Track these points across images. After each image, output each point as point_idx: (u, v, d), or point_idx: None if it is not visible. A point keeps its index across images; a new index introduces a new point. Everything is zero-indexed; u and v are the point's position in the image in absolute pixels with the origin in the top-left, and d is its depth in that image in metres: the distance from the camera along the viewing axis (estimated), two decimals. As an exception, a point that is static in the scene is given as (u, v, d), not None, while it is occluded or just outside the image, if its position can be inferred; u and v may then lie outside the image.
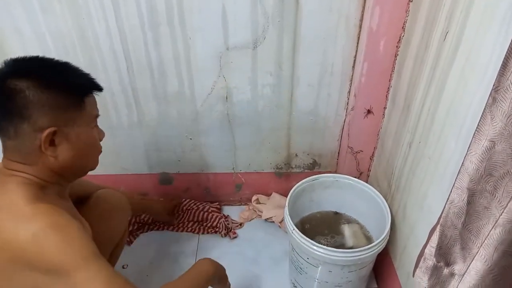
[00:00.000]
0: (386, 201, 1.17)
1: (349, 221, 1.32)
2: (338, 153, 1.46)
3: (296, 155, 1.49)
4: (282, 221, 1.50)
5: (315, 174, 1.28)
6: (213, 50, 1.20)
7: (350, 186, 1.27)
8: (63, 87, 0.72)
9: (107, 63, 1.22)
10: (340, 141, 1.43)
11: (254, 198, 1.59)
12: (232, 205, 1.63)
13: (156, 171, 1.54)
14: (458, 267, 0.58)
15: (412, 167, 1.03)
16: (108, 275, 0.69)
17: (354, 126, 1.31)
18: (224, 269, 1.01)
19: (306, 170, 1.53)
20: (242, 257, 1.42)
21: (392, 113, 1.19)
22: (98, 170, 1.53)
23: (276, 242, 1.47)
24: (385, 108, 1.24)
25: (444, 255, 0.64)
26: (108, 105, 1.32)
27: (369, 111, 1.25)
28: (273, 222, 1.53)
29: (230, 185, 1.58)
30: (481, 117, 0.51)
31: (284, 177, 1.56)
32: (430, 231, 0.75)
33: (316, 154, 1.48)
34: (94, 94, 0.80)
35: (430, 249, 0.66)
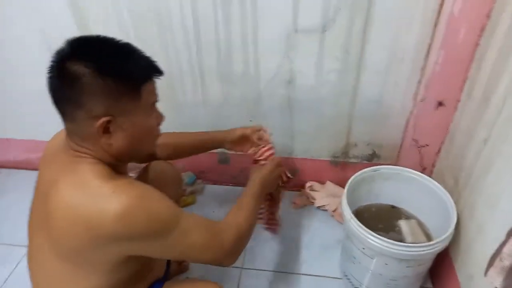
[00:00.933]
0: (452, 198, 1.12)
1: (407, 216, 1.28)
2: (401, 145, 1.41)
3: (356, 144, 1.45)
4: (335, 210, 1.49)
5: (373, 166, 1.25)
6: (281, 31, 1.19)
7: (413, 180, 1.22)
8: (120, 75, 0.68)
9: (178, 41, 1.26)
10: (404, 133, 1.37)
11: (308, 184, 1.59)
12: (286, 190, 1.64)
13: (216, 150, 1.58)
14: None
15: (486, 165, 0.97)
16: (195, 223, 0.78)
17: (422, 119, 1.25)
18: (279, 166, 1.08)
19: (364, 161, 1.50)
20: (293, 242, 1.43)
21: (466, 107, 1.12)
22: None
23: (328, 230, 1.46)
24: (458, 101, 1.17)
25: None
26: (175, 83, 1.38)
27: (440, 103, 1.19)
28: (326, 210, 1.52)
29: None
30: None
31: (340, 166, 1.54)
32: (509, 231, 0.70)
33: (377, 145, 1.44)
34: (154, 79, 0.76)
35: (510, 248, 0.62)
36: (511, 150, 0.85)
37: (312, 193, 1.55)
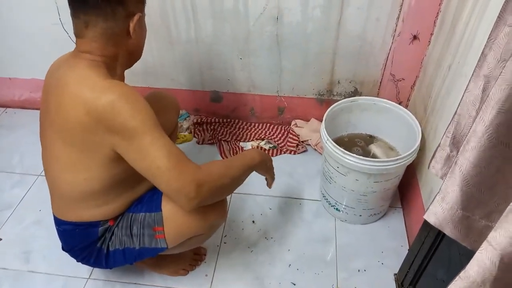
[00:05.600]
0: (421, 125, 1.23)
1: (378, 141, 1.40)
2: (380, 82, 1.51)
3: (339, 82, 1.55)
4: (317, 143, 1.61)
5: (354, 100, 1.35)
6: (269, -33, 1.26)
7: (387, 110, 1.33)
8: None
9: (171, -23, 1.33)
10: (384, 70, 1.46)
11: (292, 123, 1.70)
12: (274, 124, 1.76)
13: (208, 88, 1.68)
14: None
15: (449, 88, 1.07)
16: (168, 142, 0.84)
17: (398, 53, 1.34)
18: (271, 160, 1.11)
19: (347, 98, 1.60)
20: (280, 171, 1.56)
21: (438, 39, 1.20)
22: (158, 83, 1.70)
23: (311, 161, 1.60)
24: (431, 34, 1.25)
25: (457, 144, 0.72)
26: (170, 20, 1.45)
27: (415, 37, 1.27)
28: (309, 145, 1.65)
29: (273, 108, 1.70)
30: (503, 3, 0.56)
31: (325, 103, 1.64)
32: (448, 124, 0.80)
33: (358, 82, 1.54)
34: None
35: (445, 139, 0.73)
36: (468, 70, 0.95)
37: (296, 129, 1.67)
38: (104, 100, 0.79)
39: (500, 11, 0.57)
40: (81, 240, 0.98)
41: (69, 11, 0.85)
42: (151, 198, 0.99)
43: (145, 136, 0.81)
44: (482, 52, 0.62)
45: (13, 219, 1.41)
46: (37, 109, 1.86)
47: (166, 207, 0.96)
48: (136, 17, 0.85)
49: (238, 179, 0.95)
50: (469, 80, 0.65)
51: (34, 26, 1.58)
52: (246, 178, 0.99)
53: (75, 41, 0.88)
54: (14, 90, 1.85)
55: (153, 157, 0.80)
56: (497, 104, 0.51)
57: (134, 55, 0.93)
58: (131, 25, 0.85)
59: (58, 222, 1.00)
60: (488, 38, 0.60)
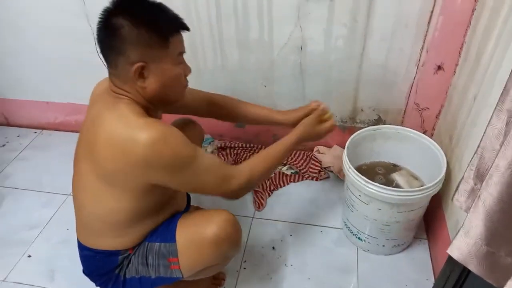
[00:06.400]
0: (446, 156, 1.21)
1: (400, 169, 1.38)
2: (404, 110, 1.50)
3: (362, 109, 1.56)
4: (340, 170, 1.60)
5: (378, 129, 1.35)
6: (293, 0, 1.30)
7: (411, 139, 1.31)
8: (151, 26, 0.82)
9: (200, 8, 1.40)
10: (408, 99, 1.46)
11: (315, 149, 1.71)
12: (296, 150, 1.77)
13: (232, 114, 1.72)
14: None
15: (474, 119, 1.06)
16: (211, 162, 0.93)
17: (423, 82, 1.34)
18: (316, 133, 1.12)
19: (370, 126, 1.59)
20: (301, 198, 1.57)
21: (463, 70, 1.20)
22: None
23: (333, 188, 1.59)
24: (456, 65, 1.25)
25: (481, 177, 0.71)
26: (198, 49, 1.52)
27: (439, 67, 1.27)
28: (331, 171, 1.64)
29: (296, 134, 1.71)
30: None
31: (347, 130, 1.64)
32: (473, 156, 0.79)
33: (382, 110, 1.54)
34: (181, 33, 0.89)
35: (469, 172, 0.72)
36: (493, 100, 0.94)
37: (318, 155, 1.67)
38: (143, 142, 0.80)
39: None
40: (101, 267, 1.00)
41: None
42: (166, 228, 1.00)
43: (189, 166, 0.87)
44: (505, 86, 0.62)
45: (42, 237, 1.47)
46: (71, 131, 1.96)
47: (181, 238, 0.97)
48: (136, 65, 0.83)
49: (277, 163, 1.07)
50: (492, 114, 0.65)
51: (71, 54, 1.68)
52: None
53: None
54: (50, 113, 1.96)
55: (201, 182, 0.91)
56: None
57: (160, 99, 0.91)
58: (132, 73, 0.84)
59: (81, 247, 1.02)
60: (511, 72, 0.60)
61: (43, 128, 2.03)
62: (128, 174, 0.85)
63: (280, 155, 1.06)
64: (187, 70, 0.95)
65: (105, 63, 0.89)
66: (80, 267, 1.06)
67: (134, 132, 0.82)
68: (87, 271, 1.05)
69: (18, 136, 1.97)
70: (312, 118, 1.12)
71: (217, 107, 1.21)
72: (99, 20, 0.85)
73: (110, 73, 0.90)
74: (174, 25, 0.88)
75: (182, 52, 0.92)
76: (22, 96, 1.92)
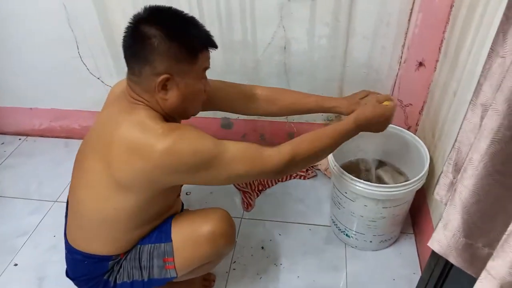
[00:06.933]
0: (429, 151, 1.23)
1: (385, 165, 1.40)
2: (389, 107, 1.52)
3: (347, 107, 1.57)
4: (327, 168, 1.62)
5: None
6: (275, 1, 1.31)
7: (395, 135, 1.33)
8: (183, 41, 0.82)
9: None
10: (392, 95, 1.48)
11: (304, 147, 1.72)
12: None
13: (219, 115, 1.73)
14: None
15: (455, 114, 1.08)
16: (234, 148, 0.86)
17: (405, 79, 1.36)
18: (379, 121, 1.00)
19: (356, 124, 1.61)
20: (289, 196, 1.58)
21: (444, 66, 1.22)
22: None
23: (321, 186, 1.60)
24: (437, 61, 1.27)
25: (459, 170, 0.72)
26: (181, 51, 1.51)
27: (420, 64, 1.29)
28: (319, 170, 1.65)
29: (283, 133, 1.72)
30: (494, 36, 0.58)
31: (334, 129, 1.66)
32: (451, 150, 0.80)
33: (367, 108, 1.55)
34: (210, 49, 0.89)
35: (448, 166, 0.74)
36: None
37: (307, 153, 1.68)
38: (160, 147, 0.80)
39: (492, 43, 0.59)
40: (90, 272, 0.98)
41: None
42: (159, 229, 0.99)
43: (213, 161, 0.84)
44: (478, 81, 0.63)
45: (28, 244, 1.45)
46: (56, 137, 1.94)
47: (176, 237, 0.97)
48: (162, 77, 0.83)
49: (326, 147, 0.96)
50: (467, 109, 0.67)
51: (54, 59, 1.66)
52: (344, 142, 0.98)
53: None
54: (34, 120, 1.93)
55: (231, 172, 0.86)
56: (490, 133, 0.52)
57: (178, 112, 0.91)
58: (156, 84, 0.84)
59: (70, 250, 1.00)
60: (483, 68, 0.62)
61: (27, 135, 2.00)
62: (142, 178, 0.85)
63: (330, 139, 0.95)
64: (208, 86, 0.94)
65: (127, 68, 0.87)
66: (68, 273, 1.05)
67: (151, 138, 0.82)
68: (73, 275, 1.03)
69: (2, 143, 1.95)
70: (372, 97, 1.03)
71: (263, 103, 1.14)
72: (128, 26, 0.83)
73: (130, 79, 0.88)
74: (205, 41, 0.88)
75: (207, 67, 0.92)
76: (5, 103, 1.89)
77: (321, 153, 0.97)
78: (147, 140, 0.82)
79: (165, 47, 0.81)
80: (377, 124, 1.01)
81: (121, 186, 0.87)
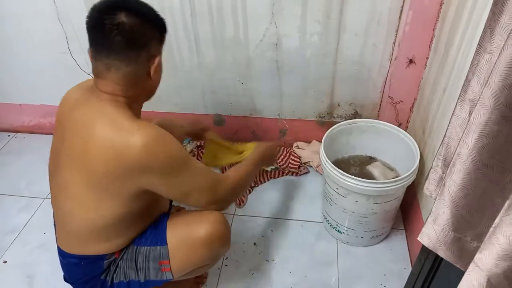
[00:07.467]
0: (419, 147, 1.24)
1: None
2: (380, 104, 1.53)
3: (339, 104, 1.58)
4: (319, 165, 1.62)
5: (355, 123, 1.37)
6: (267, -3, 1.31)
7: (386, 131, 1.34)
8: (160, 24, 0.88)
9: (174, 8, 1.39)
10: (382, 93, 1.49)
11: (294, 144, 1.72)
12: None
13: (211, 112, 1.72)
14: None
15: (444, 111, 1.09)
16: (202, 170, 0.93)
17: (396, 76, 1.37)
18: (275, 153, 1.28)
19: (347, 120, 1.62)
20: (281, 193, 1.58)
21: (433, 63, 1.23)
22: (161, 108, 1.75)
23: (313, 183, 1.61)
24: (427, 58, 1.28)
25: (448, 166, 0.73)
26: (173, 48, 1.51)
27: (411, 61, 1.30)
28: (311, 166, 1.66)
29: (275, 130, 1.73)
30: (482, 33, 0.58)
31: (325, 126, 1.66)
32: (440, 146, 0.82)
33: (358, 105, 1.56)
34: None
35: (437, 161, 0.75)
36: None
37: (297, 150, 1.69)
38: (137, 145, 0.80)
39: (480, 39, 0.60)
40: (87, 273, 0.98)
41: (91, 52, 0.85)
42: (155, 231, 0.99)
43: (184, 167, 0.88)
44: (466, 77, 0.64)
45: (18, 242, 1.43)
46: (45, 133, 1.92)
47: (172, 240, 0.97)
48: (157, 60, 0.87)
49: (249, 179, 1.11)
50: (456, 104, 0.67)
51: (44, 54, 1.64)
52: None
53: (92, 78, 0.90)
54: (24, 116, 1.91)
55: (194, 184, 0.91)
56: (478, 128, 0.52)
57: (151, 94, 0.95)
58: (152, 67, 0.86)
59: (63, 255, 0.99)
60: (471, 64, 0.62)
61: (17, 131, 1.98)
62: (122, 178, 0.84)
63: (251, 166, 1.10)
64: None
65: (102, 66, 0.84)
66: (59, 272, 1.04)
67: (128, 136, 0.81)
68: (71, 279, 1.02)
69: (-9, 140, 1.93)
70: (271, 144, 1.25)
71: None
72: (108, 27, 0.79)
73: (107, 77, 0.84)
74: (161, 19, 0.91)
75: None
76: (-6, 99, 1.87)
77: (249, 181, 1.14)
78: (124, 139, 0.81)
79: (151, 32, 0.85)
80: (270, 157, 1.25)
81: (104, 192, 0.87)
